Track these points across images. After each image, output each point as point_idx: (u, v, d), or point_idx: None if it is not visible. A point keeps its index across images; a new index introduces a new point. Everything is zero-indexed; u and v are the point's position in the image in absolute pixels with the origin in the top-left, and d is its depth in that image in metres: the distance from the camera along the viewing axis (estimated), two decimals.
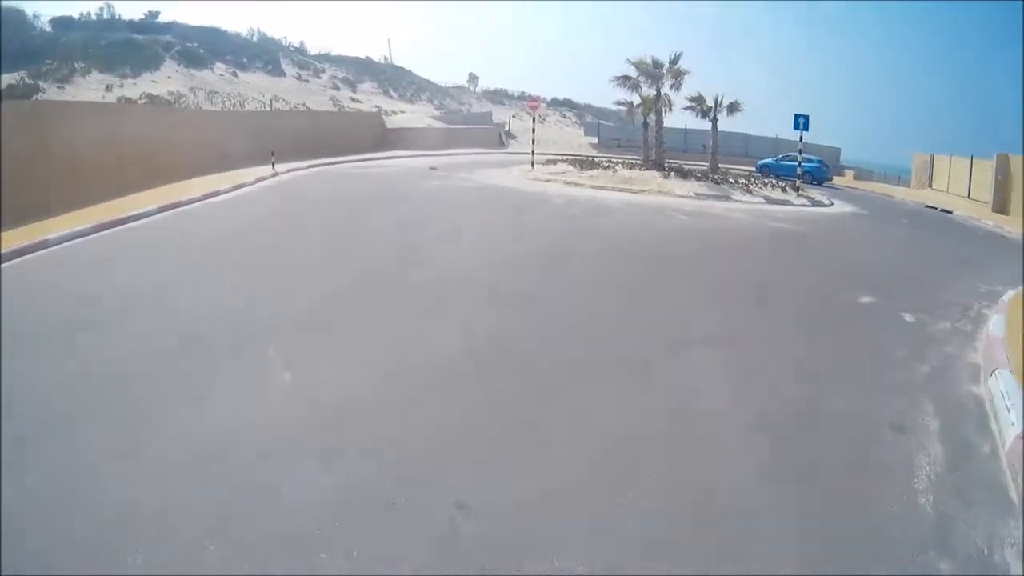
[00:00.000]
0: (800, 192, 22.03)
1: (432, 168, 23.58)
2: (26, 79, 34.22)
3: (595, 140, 43.15)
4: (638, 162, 27.31)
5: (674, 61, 24.84)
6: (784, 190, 22.18)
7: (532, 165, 25.39)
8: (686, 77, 24.79)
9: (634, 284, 8.79)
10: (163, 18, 50.53)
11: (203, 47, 46.26)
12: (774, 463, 4.15)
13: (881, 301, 8.47)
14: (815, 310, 8.04)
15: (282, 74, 49.53)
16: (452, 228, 12.51)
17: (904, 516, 3.65)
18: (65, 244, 9.48)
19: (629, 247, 11.51)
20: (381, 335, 6.27)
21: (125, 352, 5.50)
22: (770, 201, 20.11)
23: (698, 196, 20.05)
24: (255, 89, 43.57)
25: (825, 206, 20.52)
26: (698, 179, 22.91)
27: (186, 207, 13.37)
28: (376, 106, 46.20)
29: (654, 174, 23.36)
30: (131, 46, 42.13)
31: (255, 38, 55.54)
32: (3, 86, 32.07)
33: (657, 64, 24.95)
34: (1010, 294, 8.77)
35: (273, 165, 20.53)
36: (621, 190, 20.45)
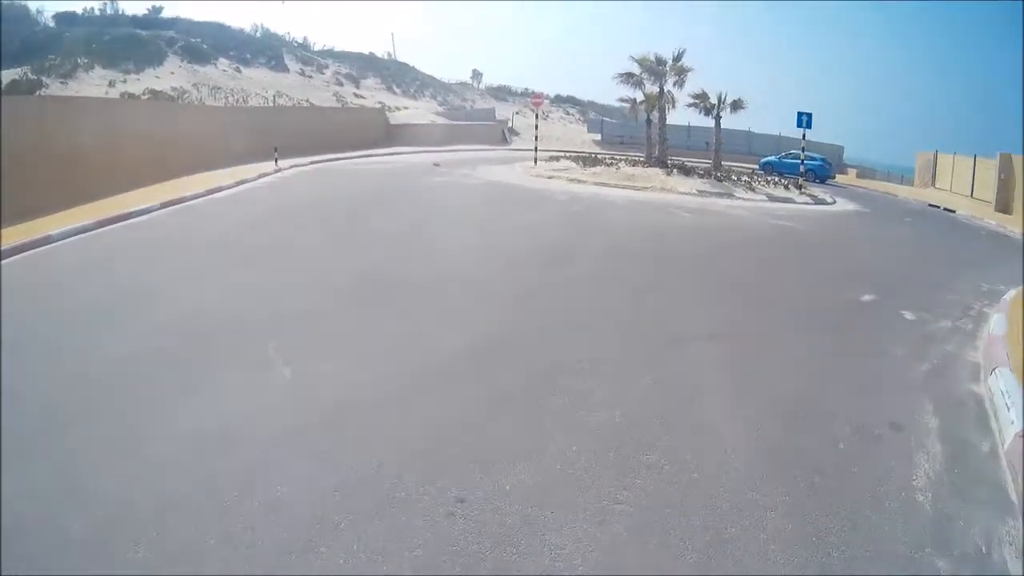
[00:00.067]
0: (803, 190, 21.98)
1: (436, 165, 23.58)
2: (29, 75, 34.33)
3: (598, 137, 43.14)
4: (641, 159, 27.30)
5: (677, 58, 24.83)
6: (787, 188, 22.14)
7: (535, 162, 25.38)
8: (689, 74, 24.83)
9: (637, 281, 8.79)
10: (166, 13, 50.69)
11: (206, 43, 46.28)
12: (771, 460, 4.16)
13: (882, 299, 8.47)
14: (816, 308, 8.04)
15: (285, 70, 49.52)
16: (454, 225, 12.53)
17: (903, 514, 3.66)
18: (68, 240, 9.52)
19: (632, 244, 11.50)
20: (383, 331, 6.29)
21: (124, 350, 5.52)
22: (773, 199, 20.08)
23: (701, 193, 20.04)
24: (258, 85, 43.59)
25: (828, 204, 20.49)
26: (701, 176, 22.88)
27: (189, 203, 13.40)
28: (379, 102, 46.17)
29: (657, 171, 23.34)
30: (134, 42, 42.18)
31: (258, 34, 55.58)
32: (6, 82, 32.12)
33: (660, 61, 24.92)
34: (1011, 293, 8.77)
35: (276, 161, 20.56)
36: (624, 187, 20.43)
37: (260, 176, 18.22)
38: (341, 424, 4.36)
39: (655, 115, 25.99)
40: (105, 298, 6.96)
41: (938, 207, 21.95)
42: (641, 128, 29.61)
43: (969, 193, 23.90)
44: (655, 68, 24.91)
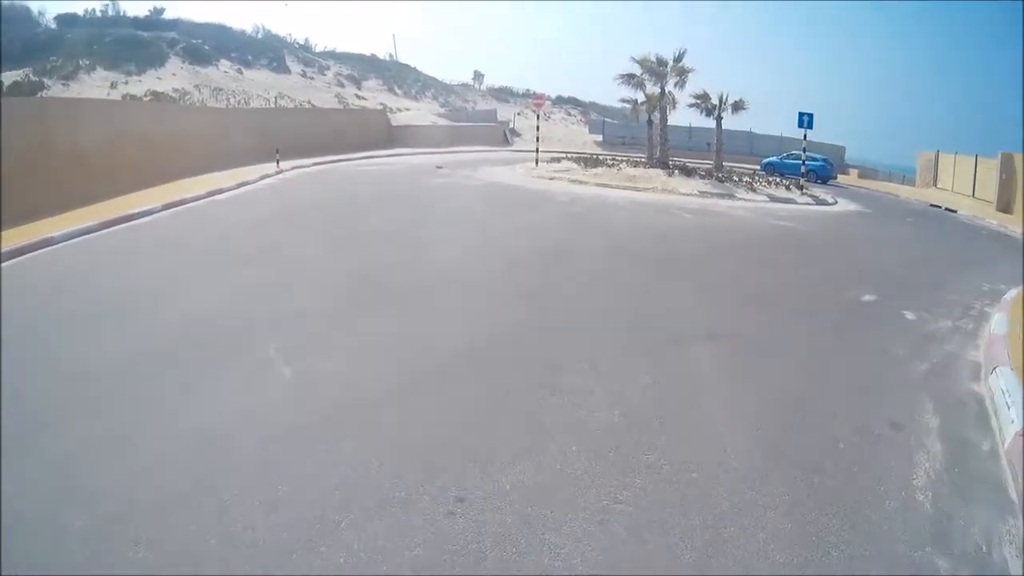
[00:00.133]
0: (804, 190, 21.95)
1: (438, 167, 23.59)
2: (31, 76, 34.39)
3: (599, 138, 43.13)
4: (642, 160, 27.31)
5: (678, 59, 24.83)
6: (788, 188, 22.12)
7: (536, 163, 25.40)
8: (690, 75, 24.82)
9: (638, 281, 8.80)
10: (168, 15, 50.73)
11: (208, 44, 46.35)
12: (771, 460, 4.16)
13: (883, 299, 8.46)
14: (817, 308, 8.03)
15: (287, 71, 49.58)
16: (456, 226, 12.54)
17: (903, 514, 3.66)
18: (70, 242, 9.54)
19: (633, 245, 11.51)
20: (384, 331, 6.29)
21: (126, 349, 5.55)
22: (774, 199, 20.06)
23: (702, 194, 20.04)
24: (260, 86, 43.65)
25: (829, 204, 20.47)
26: (702, 177, 22.87)
27: (191, 204, 13.43)
28: (381, 103, 46.20)
29: (658, 172, 23.34)
30: (136, 43, 42.24)
31: (260, 35, 55.60)
32: (8, 83, 32.20)
33: (661, 62, 24.92)
34: (1012, 292, 8.75)
35: (278, 163, 20.59)
36: (625, 188, 20.43)
37: (262, 177, 18.25)
38: (342, 423, 4.37)
39: (656, 116, 26.01)
40: (107, 298, 6.99)
41: (940, 207, 21.92)
42: (642, 129, 29.63)
43: (971, 193, 23.87)
44: (656, 69, 24.92)
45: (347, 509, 3.41)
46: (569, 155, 30.18)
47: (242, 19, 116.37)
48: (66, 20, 46.16)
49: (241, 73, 45.46)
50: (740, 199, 19.69)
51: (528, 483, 3.74)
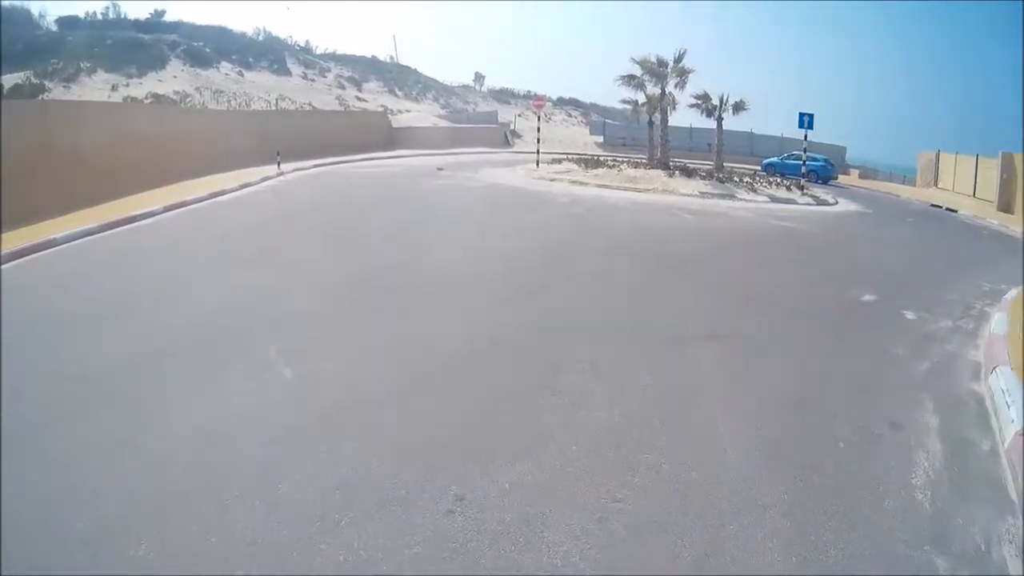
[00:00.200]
0: (805, 191, 21.95)
1: (439, 169, 23.61)
2: (32, 78, 34.41)
3: (600, 139, 43.14)
4: (643, 161, 27.32)
5: (678, 59, 24.85)
6: (789, 189, 22.11)
7: (537, 164, 25.41)
8: (690, 76, 24.85)
9: (639, 282, 8.80)
10: (169, 17, 50.70)
11: (209, 46, 46.36)
12: (770, 459, 4.16)
13: (883, 299, 8.46)
14: (817, 308, 8.03)
15: (288, 73, 49.60)
16: (457, 227, 12.55)
17: (902, 513, 3.66)
18: (72, 244, 9.57)
19: (634, 245, 11.51)
20: (384, 331, 6.30)
21: (127, 350, 5.56)
22: (775, 200, 20.06)
23: (703, 195, 20.04)
24: (261, 88, 43.66)
25: (830, 205, 20.46)
26: (703, 178, 22.88)
27: (193, 206, 13.46)
28: (382, 105, 46.22)
29: (659, 173, 23.35)
30: (137, 45, 42.25)
31: (261, 37, 55.63)
32: (9, 86, 32.26)
33: (662, 63, 24.94)
34: (1013, 292, 8.75)
35: (279, 164, 20.62)
36: (626, 189, 20.45)
37: (263, 179, 18.28)
38: (342, 424, 4.38)
39: (657, 117, 26.02)
40: (108, 300, 7.01)
41: (940, 207, 21.90)
42: (643, 130, 29.63)
43: (971, 193, 23.85)
44: (656, 70, 24.94)
45: (347, 508, 3.42)
46: (570, 156, 30.21)
47: (243, 21, 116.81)
48: (67, 22, 46.22)
49: (242, 75, 45.49)
50: (741, 200, 19.69)
51: (528, 482, 3.75)
